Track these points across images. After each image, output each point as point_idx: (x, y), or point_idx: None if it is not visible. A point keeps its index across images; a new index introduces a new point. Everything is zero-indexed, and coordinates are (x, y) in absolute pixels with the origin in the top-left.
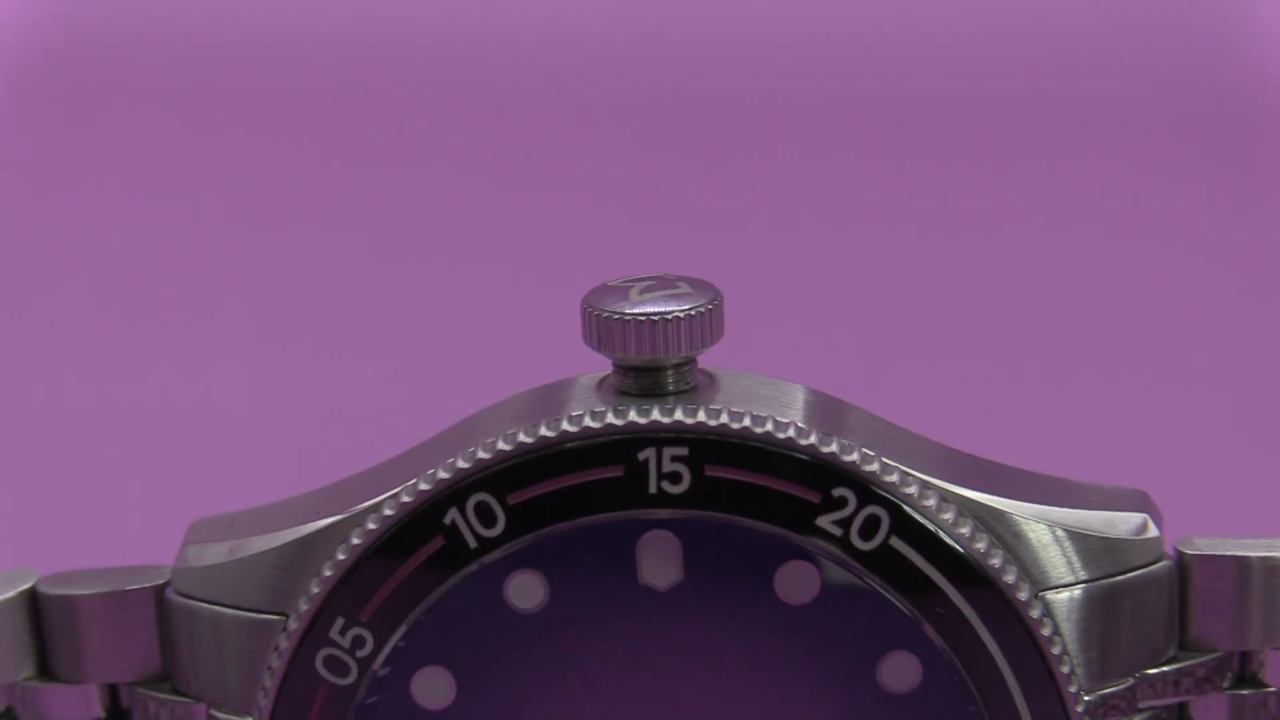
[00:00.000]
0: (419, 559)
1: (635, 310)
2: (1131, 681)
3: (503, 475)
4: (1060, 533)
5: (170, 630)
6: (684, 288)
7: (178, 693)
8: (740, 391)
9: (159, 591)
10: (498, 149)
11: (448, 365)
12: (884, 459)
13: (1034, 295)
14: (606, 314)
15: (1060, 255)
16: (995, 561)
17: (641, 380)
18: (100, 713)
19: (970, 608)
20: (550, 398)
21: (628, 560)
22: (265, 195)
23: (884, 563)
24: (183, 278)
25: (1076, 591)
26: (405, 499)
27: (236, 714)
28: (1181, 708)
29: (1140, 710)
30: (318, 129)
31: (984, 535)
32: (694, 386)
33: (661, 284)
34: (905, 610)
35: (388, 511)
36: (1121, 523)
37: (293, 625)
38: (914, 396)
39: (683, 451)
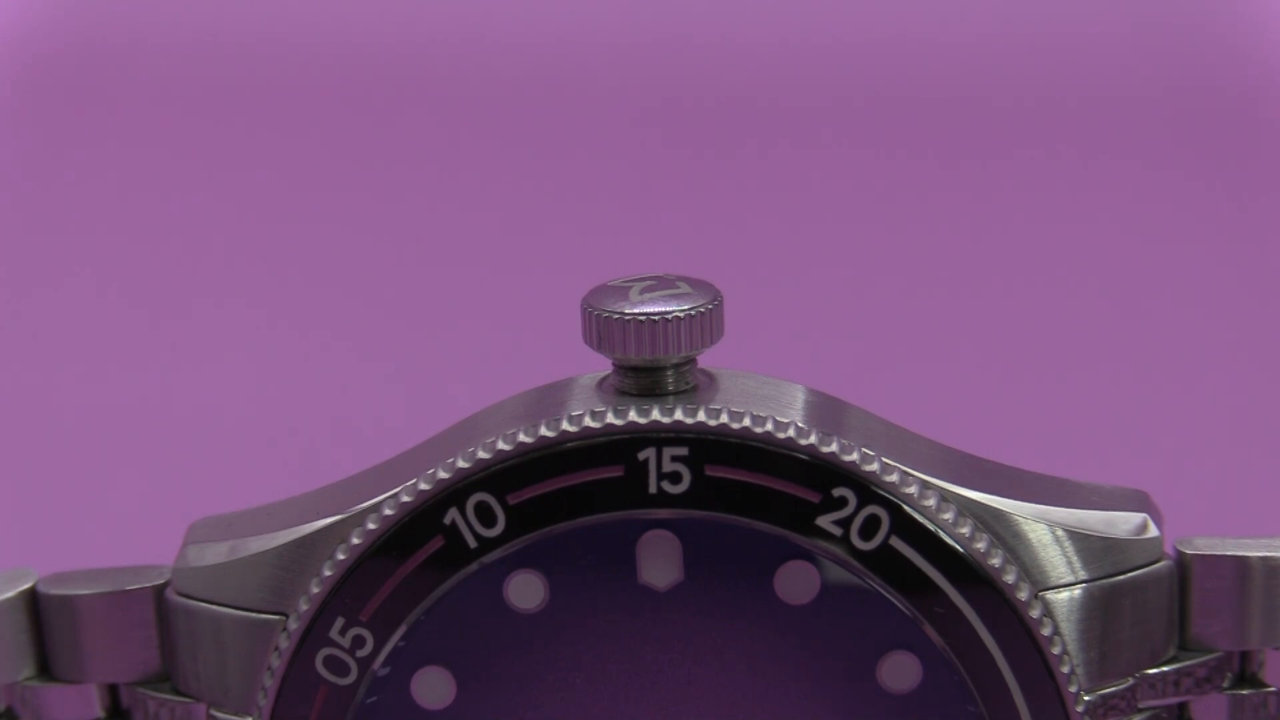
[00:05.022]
0: (419, 559)
1: (635, 310)
2: (1131, 681)
3: (503, 475)
4: (1060, 533)
5: (170, 630)
6: (684, 288)
7: (178, 693)
8: (740, 391)
9: (159, 591)
10: (498, 149)
11: (448, 365)
12: (884, 459)
13: (1034, 295)
14: (606, 314)
15: (1060, 255)
16: (995, 561)
17: (641, 380)
18: (100, 713)
19: (970, 608)
20: (550, 398)
21: (628, 560)
22: (266, 195)
23: (884, 563)
24: (183, 278)
25: (1076, 591)
26: (405, 499)
27: (236, 714)
28: (1181, 708)
29: (1140, 710)
30: (318, 129)
31: (984, 535)
32: (694, 386)
33: (661, 284)
34: (905, 610)
35: (388, 511)
36: (1121, 523)
37: (293, 625)
38: (914, 396)
39: (683, 451)
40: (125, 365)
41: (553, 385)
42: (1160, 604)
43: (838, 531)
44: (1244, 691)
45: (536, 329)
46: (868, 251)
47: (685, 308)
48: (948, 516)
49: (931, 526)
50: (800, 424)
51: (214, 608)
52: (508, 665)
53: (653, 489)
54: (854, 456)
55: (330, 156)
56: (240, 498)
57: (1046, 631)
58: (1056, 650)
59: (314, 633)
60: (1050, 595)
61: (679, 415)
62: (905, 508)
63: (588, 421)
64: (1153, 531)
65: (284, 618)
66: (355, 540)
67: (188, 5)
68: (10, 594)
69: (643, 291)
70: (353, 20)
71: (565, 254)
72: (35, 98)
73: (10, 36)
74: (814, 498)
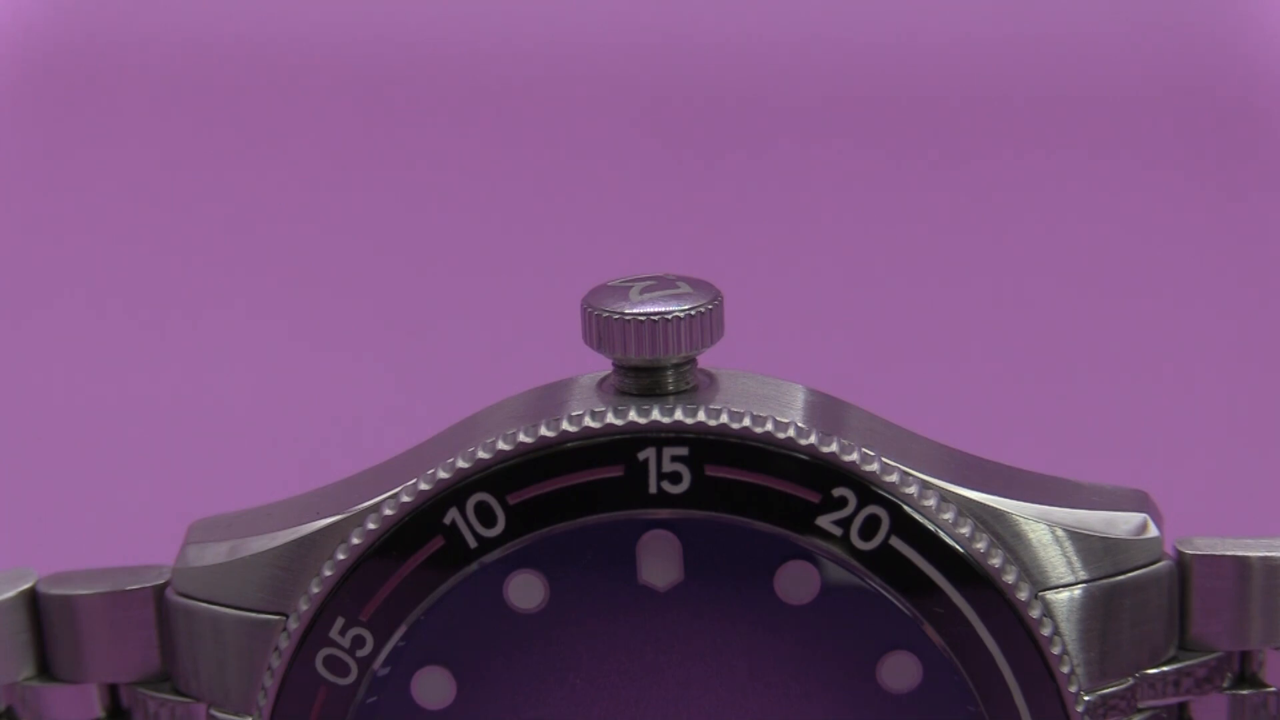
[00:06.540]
0: (419, 559)
1: (635, 310)
2: (1131, 681)
3: (503, 475)
4: (1060, 533)
5: (170, 630)
6: (684, 288)
7: (178, 693)
8: (740, 391)
9: (159, 591)
10: (498, 149)
11: (448, 365)
12: (884, 459)
13: (1034, 295)
14: (606, 314)
15: (1060, 255)
16: (995, 561)
17: (641, 380)
18: (100, 713)
19: (970, 608)
20: (550, 398)
21: (628, 560)
22: (266, 195)
23: (884, 563)
24: (183, 278)
25: (1076, 591)
26: (405, 499)
27: (236, 714)
28: (1181, 708)
29: (1140, 710)
30: (319, 128)
31: (984, 535)
32: (694, 386)
33: (661, 284)
34: (905, 610)
35: (388, 511)
36: (1121, 523)
37: (293, 625)
38: (914, 396)
39: (683, 451)
40: (125, 365)
41: (553, 385)
42: (1160, 604)
43: (838, 531)
44: (1244, 691)
45: (536, 329)
46: (868, 251)
47: (685, 308)
48: (948, 516)
49: (931, 526)
50: (800, 424)
51: (214, 608)
52: (508, 665)
53: (653, 489)
54: (854, 456)
55: (331, 157)
56: (240, 498)
57: (1046, 631)
58: (1056, 650)
59: (314, 633)
60: (1050, 595)
61: (679, 415)
62: (905, 508)
63: (588, 421)
64: (1153, 531)
65: (284, 618)
66: (355, 540)
67: (188, 7)
68: (10, 594)
69: (643, 291)
70: (353, 22)
71: (565, 254)
72: (36, 98)
73: (10, 37)
74: (814, 498)
